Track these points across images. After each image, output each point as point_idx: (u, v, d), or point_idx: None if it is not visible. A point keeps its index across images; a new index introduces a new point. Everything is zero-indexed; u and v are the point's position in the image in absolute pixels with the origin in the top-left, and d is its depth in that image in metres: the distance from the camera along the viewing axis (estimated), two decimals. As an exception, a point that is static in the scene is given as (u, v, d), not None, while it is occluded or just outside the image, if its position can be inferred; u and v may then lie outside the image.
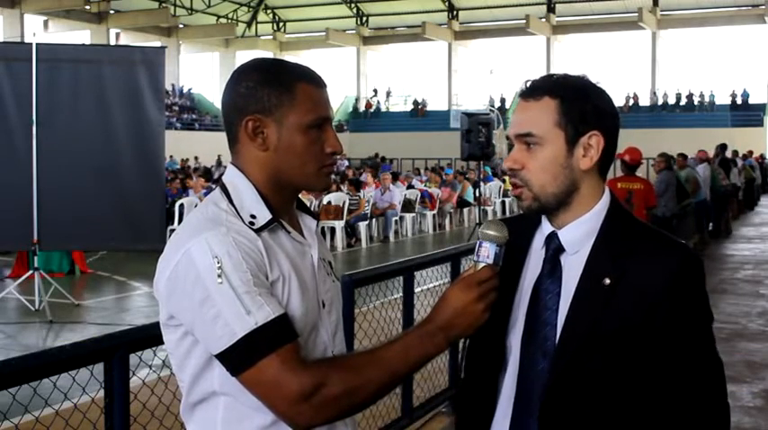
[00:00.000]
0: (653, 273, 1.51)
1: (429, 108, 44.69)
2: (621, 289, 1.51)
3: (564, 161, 1.56)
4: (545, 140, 1.55)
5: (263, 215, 1.55)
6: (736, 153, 21.91)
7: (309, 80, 1.59)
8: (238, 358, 1.44)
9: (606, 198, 1.61)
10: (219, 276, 1.44)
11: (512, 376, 1.61)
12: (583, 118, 1.56)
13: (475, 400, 1.68)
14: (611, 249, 1.55)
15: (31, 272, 8.68)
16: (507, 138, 1.64)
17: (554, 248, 1.60)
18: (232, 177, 1.60)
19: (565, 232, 1.59)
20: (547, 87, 1.57)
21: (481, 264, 1.54)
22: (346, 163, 27.85)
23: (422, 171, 24.97)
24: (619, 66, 43.32)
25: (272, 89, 1.56)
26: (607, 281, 1.52)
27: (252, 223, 1.53)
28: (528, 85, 1.61)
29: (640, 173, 9.19)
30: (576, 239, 1.58)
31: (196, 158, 29.57)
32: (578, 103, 1.56)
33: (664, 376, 1.52)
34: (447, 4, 43.88)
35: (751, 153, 26.16)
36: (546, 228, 1.63)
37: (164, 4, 40.25)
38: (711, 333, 1.57)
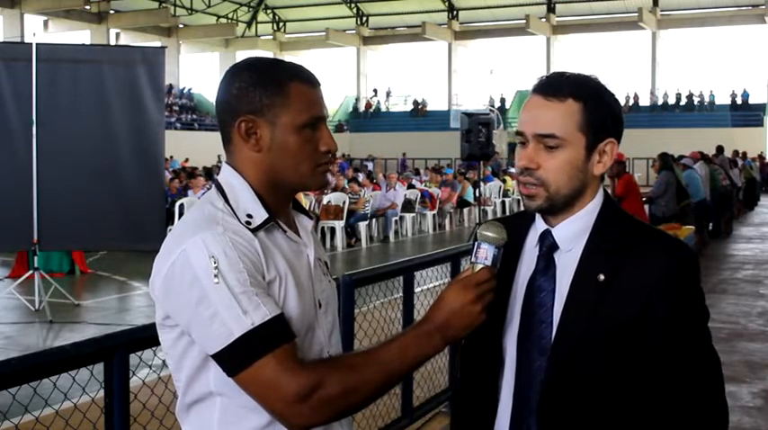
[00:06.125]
0: (648, 270, 1.51)
1: (429, 108, 44.69)
2: (616, 285, 1.51)
3: (581, 165, 1.56)
4: (567, 143, 1.54)
5: (260, 214, 1.54)
6: (736, 153, 21.89)
7: (302, 79, 1.57)
8: (235, 358, 1.43)
9: (600, 196, 1.61)
10: (216, 276, 1.43)
11: (509, 375, 1.61)
12: (603, 125, 1.56)
13: (475, 401, 1.67)
14: (605, 246, 1.55)
15: (31, 272, 8.68)
16: (518, 133, 1.58)
17: (548, 246, 1.60)
18: (228, 177, 1.59)
19: (559, 229, 1.59)
20: (571, 88, 1.55)
21: (479, 266, 1.53)
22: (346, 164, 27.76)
23: (422, 171, 24.96)
24: (619, 66, 43.31)
25: (264, 89, 1.54)
26: (601, 277, 1.52)
27: (248, 223, 1.52)
28: (548, 80, 1.57)
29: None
30: (570, 236, 1.58)
31: (187, 160, 29.35)
32: (600, 109, 1.55)
33: (661, 373, 1.51)
34: (447, 4, 43.86)
35: (745, 155, 26.03)
36: (539, 225, 1.63)
37: (164, 4, 40.25)
38: (707, 330, 1.57)
